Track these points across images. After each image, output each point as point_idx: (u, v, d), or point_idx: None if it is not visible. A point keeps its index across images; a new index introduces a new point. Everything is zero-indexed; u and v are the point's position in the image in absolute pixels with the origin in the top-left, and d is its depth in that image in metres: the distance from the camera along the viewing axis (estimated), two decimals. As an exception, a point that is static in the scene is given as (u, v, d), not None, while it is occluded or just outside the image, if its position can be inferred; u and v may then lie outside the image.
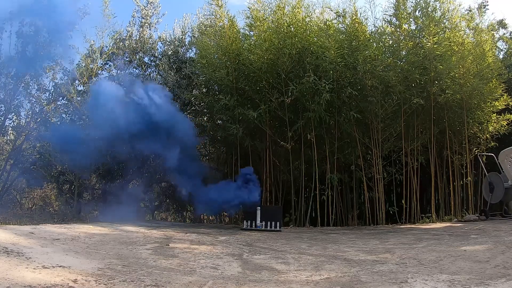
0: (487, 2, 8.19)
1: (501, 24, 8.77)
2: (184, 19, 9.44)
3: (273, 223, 5.73)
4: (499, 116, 7.34)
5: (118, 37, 8.43)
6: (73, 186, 6.76)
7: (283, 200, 7.48)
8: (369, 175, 7.14)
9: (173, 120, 6.25)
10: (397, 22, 7.01)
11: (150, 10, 9.29)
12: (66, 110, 7.03)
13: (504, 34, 9.20)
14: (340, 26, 7.30)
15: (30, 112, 6.80)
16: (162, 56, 8.69)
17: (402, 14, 6.89)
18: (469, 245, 3.55)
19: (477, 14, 7.98)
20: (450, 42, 6.76)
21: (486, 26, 7.76)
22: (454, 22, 7.06)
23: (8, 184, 6.74)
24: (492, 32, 7.94)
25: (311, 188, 7.07)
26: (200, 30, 8.53)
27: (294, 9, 7.06)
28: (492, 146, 7.41)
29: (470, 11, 7.90)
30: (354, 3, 6.98)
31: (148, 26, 9.23)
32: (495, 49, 8.20)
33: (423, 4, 6.84)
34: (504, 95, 7.18)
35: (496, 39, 8.73)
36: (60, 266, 2.37)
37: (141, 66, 8.65)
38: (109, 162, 6.68)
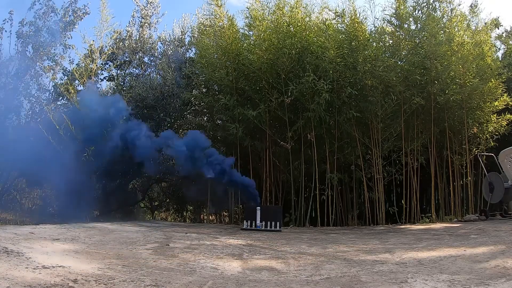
0: (477, 1, 8.22)
1: (495, 22, 8.74)
2: (183, 19, 9.46)
3: (273, 223, 5.72)
4: (499, 116, 7.34)
5: (118, 37, 8.44)
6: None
7: (283, 200, 7.48)
8: (369, 175, 7.14)
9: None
10: (397, 22, 7.02)
11: (149, 10, 9.31)
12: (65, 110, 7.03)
13: (502, 33, 9.21)
14: (340, 26, 7.30)
15: (30, 112, 6.79)
16: (162, 56, 8.70)
17: (402, 14, 6.90)
18: (469, 245, 3.55)
19: (474, 13, 8.00)
20: (450, 42, 6.76)
21: (483, 25, 7.76)
22: (454, 21, 7.07)
23: (8, 184, 6.73)
24: (489, 32, 7.94)
25: (311, 188, 7.07)
26: (199, 30, 8.54)
27: (293, 9, 7.06)
28: (492, 146, 7.40)
29: (465, 12, 7.92)
30: (352, 2, 6.98)
31: (148, 26, 9.24)
32: (493, 49, 8.21)
33: (423, 4, 6.85)
34: (504, 95, 7.18)
35: (493, 39, 8.74)
36: (60, 266, 2.36)
37: (141, 66, 8.65)
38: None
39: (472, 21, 7.81)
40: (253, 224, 5.76)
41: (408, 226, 6.38)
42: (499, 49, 9.12)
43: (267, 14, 7.24)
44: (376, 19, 8.50)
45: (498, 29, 9.09)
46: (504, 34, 9.19)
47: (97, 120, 6.10)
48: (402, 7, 6.91)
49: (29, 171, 5.87)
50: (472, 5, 8.19)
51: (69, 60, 7.10)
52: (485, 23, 7.86)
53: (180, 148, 6.35)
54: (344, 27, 7.21)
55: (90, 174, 6.31)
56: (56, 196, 6.24)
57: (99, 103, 6.33)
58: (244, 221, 5.94)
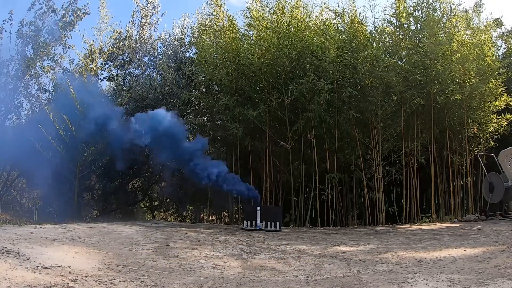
0: (482, 1, 8.22)
1: (497, 22, 8.73)
2: (183, 19, 9.46)
3: (273, 223, 5.72)
4: (499, 116, 7.34)
5: (118, 37, 8.44)
6: (73, 186, 6.75)
7: (283, 200, 7.48)
8: (369, 175, 7.14)
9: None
10: (397, 22, 7.02)
11: (149, 10, 9.31)
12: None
13: (503, 33, 9.20)
14: (340, 26, 7.30)
15: (30, 112, 6.80)
16: (162, 56, 8.70)
17: (402, 14, 6.90)
18: (469, 245, 3.55)
19: (475, 14, 8.00)
20: (450, 42, 6.76)
21: (484, 25, 7.76)
22: (454, 21, 7.07)
23: (8, 184, 6.73)
24: (490, 31, 7.94)
25: (311, 188, 7.07)
26: (199, 30, 8.54)
27: (294, 9, 7.06)
28: (492, 146, 7.40)
29: (467, 11, 7.91)
30: (353, 2, 6.99)
31: (147, 26, 9.24)
32: (494, 48, 8.21)
33: (423, 4, 6.86)
34: (504, 95, 7.18)
35: (494, 38, 8.74)
36: (60, 266, 2.36)
37: (141, 66, 8.66)
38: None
39: (473, 21, 7.82)
40: (253, 224, 5.77)
41: (408, 226, 6.38)
42: (500, 47, 9.13)
43: (267, 14, 7.24)
44: (376, 19, 8.53)
45: (500, 29, 9.11)
46: (505, 34, 9.19)
47: (73, 106, 5.65)
48: (402, 7, 6.91)
49: (20, 162, 5.62)
50: (476, 4, 8.20)
51: (69, 60, 7.12)
52: (486, 23, 7.86)
53: (139, 132, 5.50)
54: (344, 27, 7.21)
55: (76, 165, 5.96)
56: (44, 192, 6.01)
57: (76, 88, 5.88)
58: (244, 221, 5.94)
